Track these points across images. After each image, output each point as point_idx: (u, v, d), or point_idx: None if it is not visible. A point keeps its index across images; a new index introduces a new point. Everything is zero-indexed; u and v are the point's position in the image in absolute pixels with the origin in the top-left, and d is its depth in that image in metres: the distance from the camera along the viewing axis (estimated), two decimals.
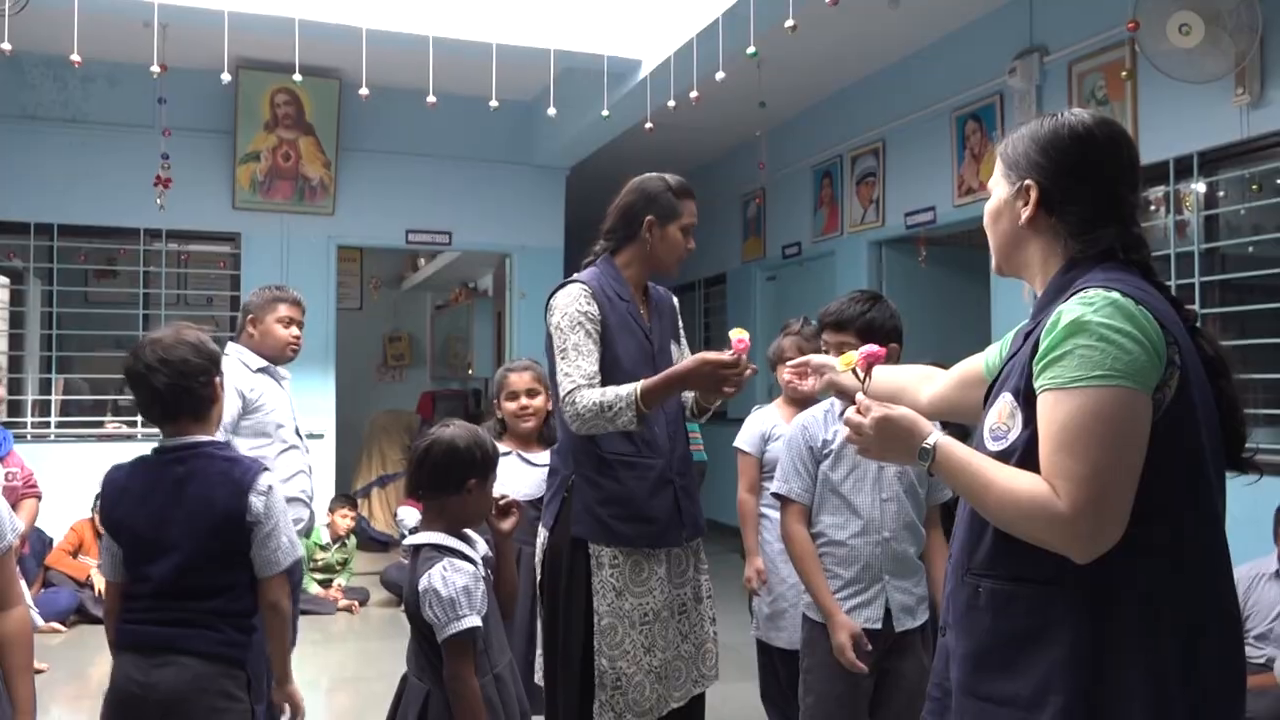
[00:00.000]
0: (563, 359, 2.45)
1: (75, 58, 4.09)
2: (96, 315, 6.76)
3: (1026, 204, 1.48)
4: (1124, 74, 4.38)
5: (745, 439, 3.31)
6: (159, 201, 5.69)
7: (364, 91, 4.49)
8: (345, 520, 6.33)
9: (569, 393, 2.40)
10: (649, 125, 5.06)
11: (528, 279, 7.34)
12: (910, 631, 2.53)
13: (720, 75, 4.41)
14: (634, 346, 2.52)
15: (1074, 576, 1.33)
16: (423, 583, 2.10)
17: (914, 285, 6.27)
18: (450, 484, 2.21)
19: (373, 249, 8.57)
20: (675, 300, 2.84)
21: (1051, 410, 1.32)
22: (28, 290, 6.37)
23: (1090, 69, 4.69)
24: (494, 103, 4.78)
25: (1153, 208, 4.40)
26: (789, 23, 3.78)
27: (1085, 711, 1.32)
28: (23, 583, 2.11)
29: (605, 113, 5.25)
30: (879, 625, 2.48)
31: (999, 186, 1.55)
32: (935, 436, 1.44)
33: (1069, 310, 1.33)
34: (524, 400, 3.22)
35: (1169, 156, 4.30)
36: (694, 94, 4.56)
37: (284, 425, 3.40)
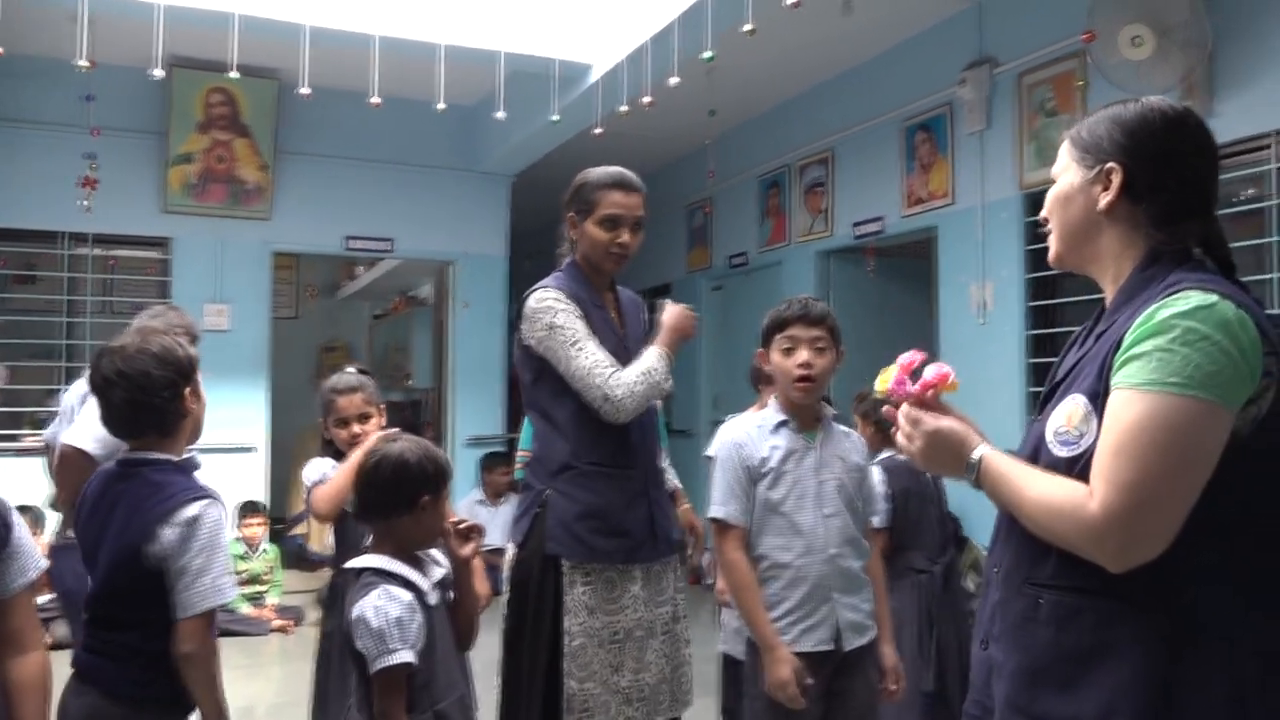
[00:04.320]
0: (579, 352, 2.33)
1: None
2: (15, 323, 6.43)
3: (1107, 189, 1.40)
4: (1079, 84, 4.40)
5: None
6: (85, 204, 5.43)
7: (305, 91, 4.32)
8: (250, 529, 6.18)
9: (606, 381, 2.32)
10: (598, 130, 4.97)
11: (470, 288, 7.20)
12: (859, 649, 2.43)
13: (675, 80, 4.33)
14: (611, 353, 2.40)
15: (1147, 592, 1.25)
16: (354, 611, 1.97)
17: (861, 296, 6.26)
18: (401, 503, 2.08)
19: (309, 256, 8.33)
20: (643, 305, 2.74)
21: (1119, 410, 1.25)
22: None
23: (1040, 80, 4.72)
24: (441, 105, 4.64)
25: None
26: (747, 26, 3.71)
27: None
28: None
29: (555, 117, 5.14)
30: (830, 646, 2.37)
31: (1069, 172, 1.46)
32: (982, 449, 1.39)
33: (1161, 308, 1.26)
34: (355, 428, 2.78)
35: None
36: (647, 99, 4.48)
37: None
